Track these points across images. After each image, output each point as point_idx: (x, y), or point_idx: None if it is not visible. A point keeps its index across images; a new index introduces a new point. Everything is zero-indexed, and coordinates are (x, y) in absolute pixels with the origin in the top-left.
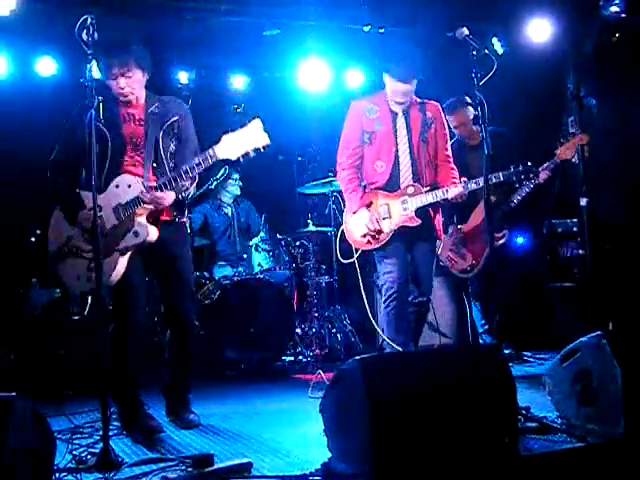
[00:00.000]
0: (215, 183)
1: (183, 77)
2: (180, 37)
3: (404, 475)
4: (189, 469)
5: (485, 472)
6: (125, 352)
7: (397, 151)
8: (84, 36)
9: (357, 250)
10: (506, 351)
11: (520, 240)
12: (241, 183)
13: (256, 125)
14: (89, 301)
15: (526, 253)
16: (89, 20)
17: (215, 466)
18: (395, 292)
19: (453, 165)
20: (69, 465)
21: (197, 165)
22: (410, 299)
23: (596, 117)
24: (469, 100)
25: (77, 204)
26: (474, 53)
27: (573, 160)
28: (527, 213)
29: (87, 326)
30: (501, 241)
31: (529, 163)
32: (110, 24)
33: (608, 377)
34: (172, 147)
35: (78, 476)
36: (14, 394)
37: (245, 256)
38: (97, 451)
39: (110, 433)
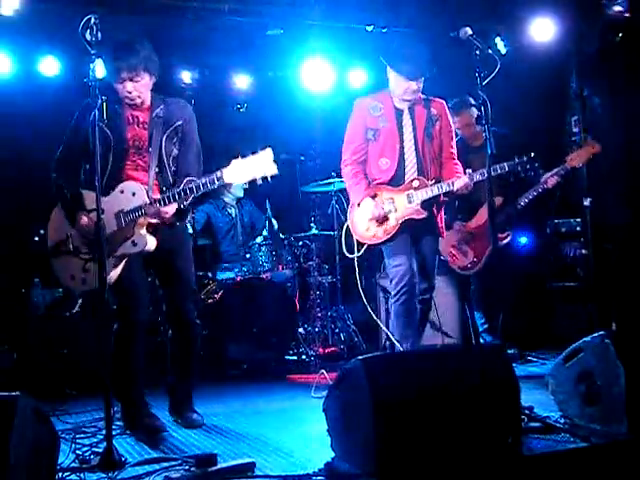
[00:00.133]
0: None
1: (186, 77)
2: (183, 37)
3: (407, 475)
4: (192, 469)
5: (488, 472)
6: (128, 352)
7: (402, 148)
8: (88, 36)
9: (360, 247)
10: (509, 351)
11: (523, 240)
12: (245, 185)
13: (267, 154)
14: (79, 301)
15: (529, 253)
16: (93, 20)
17: (218, 466)
18: (405, 285)
19: (457, 161)
20: (72, 464)
21: (203, 185)
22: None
23: (599, 116)
24: (472, 101)
25: (77, 204)
26: (477, 53)
27: None
28: (530, 213)
29: (90, 326)
30: (505, 241)
31: (532, 154)
32: (114, 24)
33: (611, 377)
34: (175, 151)
35: (81, 475)
36: (18, 393)
37: (248, 256)
38: (100, 450)
39: (114, 432)
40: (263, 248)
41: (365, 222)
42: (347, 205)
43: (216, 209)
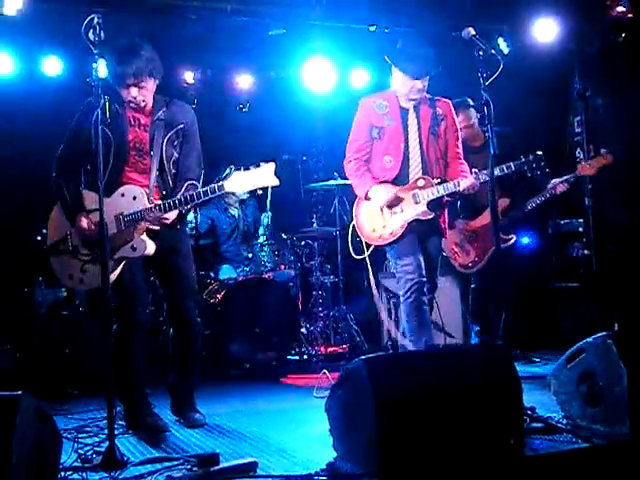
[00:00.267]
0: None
1: (189, 77)
2: (186, 37)
3: (410, 475)
4: (194, 468)
5: (490, 472)
6: (129, 351)
7: (407, 147)
8: (90, 36)
9: (368, 246)
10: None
11: (526, 240)
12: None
13: (269, 168)
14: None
15: (532, 253)
16: (95, 20)
17: (220, 465)
18: (416, 283)
19: (463, 161)
20: (75, 464)
21: (204, 193)
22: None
23: (602, 117)
24: (472, 102)
25: (77, 205)
26: (480, 53)
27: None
28: (533, 213)
29: (93, 325)
30: (509, 242)
31: (539, 152)
32: (117, 24)
33: (614, 378)
34: (175, 155)
35: (84, 475)
36: (20, 393)
37: (250, 256)
38: (103, 450)
39: (116, 432)
40: (265, 248)
41: (370, 225)
42: (349, 206)
43: (220, 212)
